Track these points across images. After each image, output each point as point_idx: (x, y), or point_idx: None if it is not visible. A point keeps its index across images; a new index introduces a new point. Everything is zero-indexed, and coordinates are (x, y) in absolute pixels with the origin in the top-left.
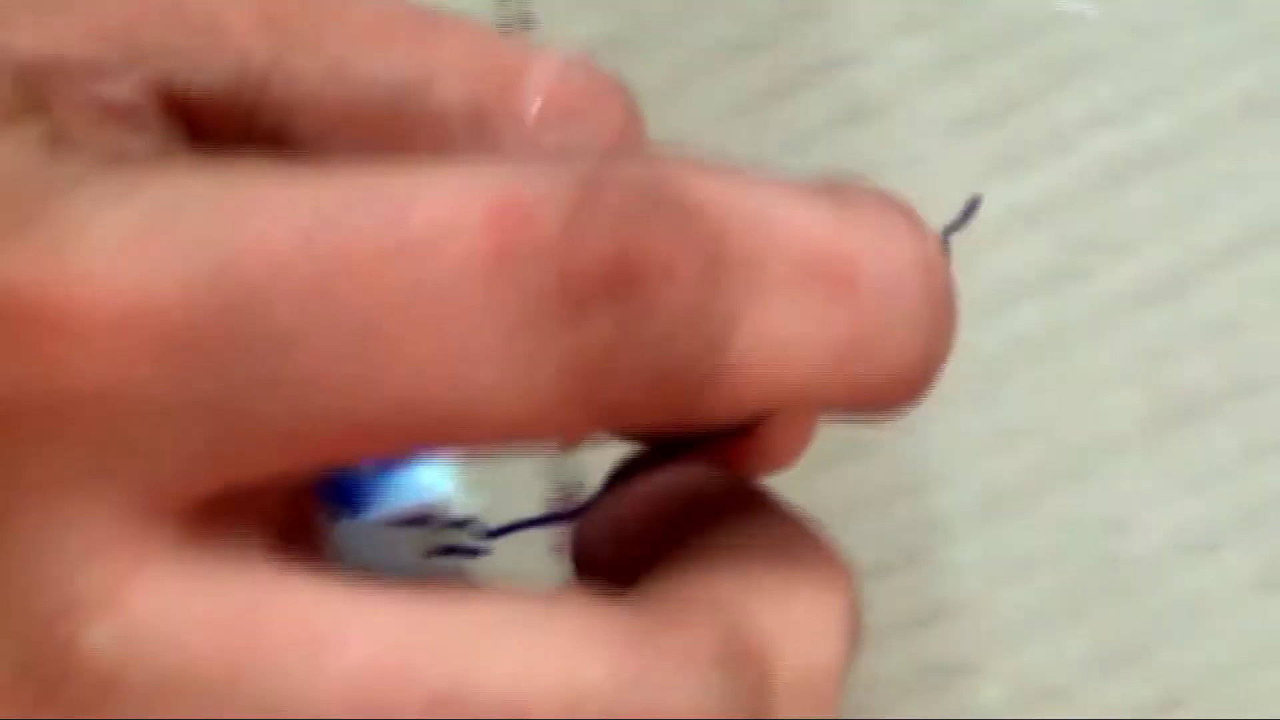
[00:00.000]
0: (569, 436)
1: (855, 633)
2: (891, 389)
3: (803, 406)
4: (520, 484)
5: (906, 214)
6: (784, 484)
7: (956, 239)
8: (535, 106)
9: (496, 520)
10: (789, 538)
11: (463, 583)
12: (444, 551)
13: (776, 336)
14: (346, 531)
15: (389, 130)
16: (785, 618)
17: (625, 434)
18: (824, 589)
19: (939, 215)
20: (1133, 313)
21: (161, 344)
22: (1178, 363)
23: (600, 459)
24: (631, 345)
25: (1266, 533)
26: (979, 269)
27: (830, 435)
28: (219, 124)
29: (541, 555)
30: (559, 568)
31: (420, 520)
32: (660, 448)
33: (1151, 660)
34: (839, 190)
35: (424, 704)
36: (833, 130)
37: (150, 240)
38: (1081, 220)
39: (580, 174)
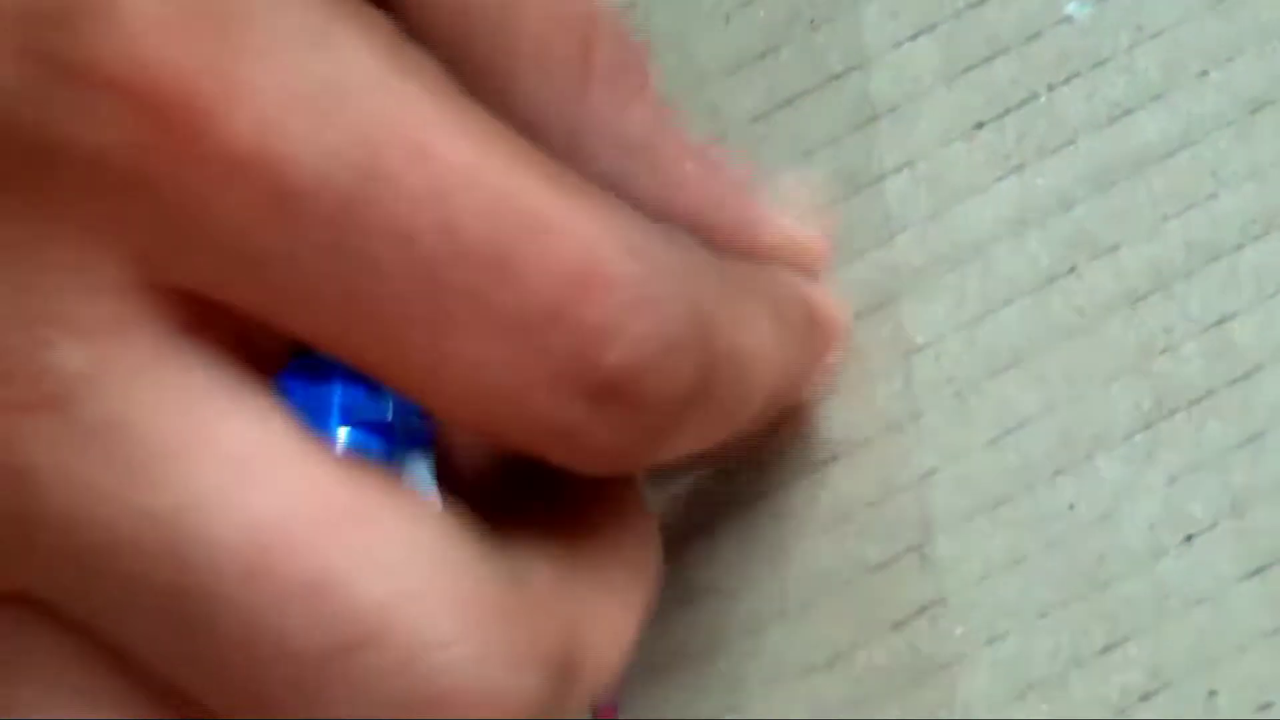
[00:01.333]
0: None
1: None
2: None
3: None
4: None
5: None
6: (772, 488)
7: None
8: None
9: None
10: (622, 536)
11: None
12: None
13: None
14: None
15: (470, 25)
16: (602, 624)
17: None
18: (634, 594)
19: (948, 220)
20: (1125, 310)
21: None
22: (1169, 357)
23: None
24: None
25: (1250, 521)
26: (980, 269)
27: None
28: None
29: None
30: None
31: None
32: None
33: (1130, 650)
34: None
35: (299, 583)
36: (842, 137)
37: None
38: (1076, 220)
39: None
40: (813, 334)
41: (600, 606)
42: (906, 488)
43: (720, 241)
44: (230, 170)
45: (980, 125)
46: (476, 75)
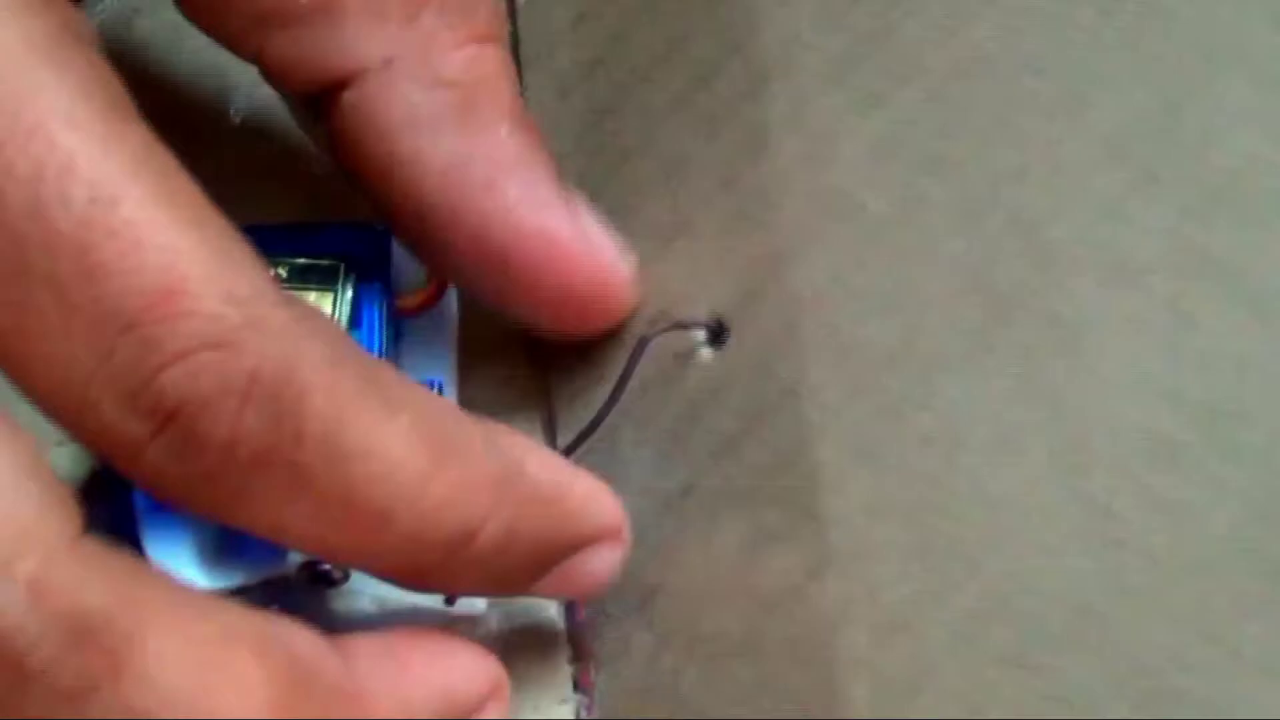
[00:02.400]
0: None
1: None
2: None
3: None
4: None
5: None
6: (687, 472)
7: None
8: None
9: None
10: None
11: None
12: None
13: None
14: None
15: None
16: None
17: None
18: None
19: (825, 170)
20: (964, 226)
21: None
22: (999, 267)
23: None
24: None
25: (1067, 422)
26: (850, 213)
27: (718, 425)
28: None
29: None
30: None
31: None
32: None
33: (976, 577)
34: None
35: None
36: (737, 108)
37: None
38: (923, 141)
39: (228, 329)
40: (490, 479)
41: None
42: (799, 450)
43: (486, 217)
44: None
45: (850, 67)
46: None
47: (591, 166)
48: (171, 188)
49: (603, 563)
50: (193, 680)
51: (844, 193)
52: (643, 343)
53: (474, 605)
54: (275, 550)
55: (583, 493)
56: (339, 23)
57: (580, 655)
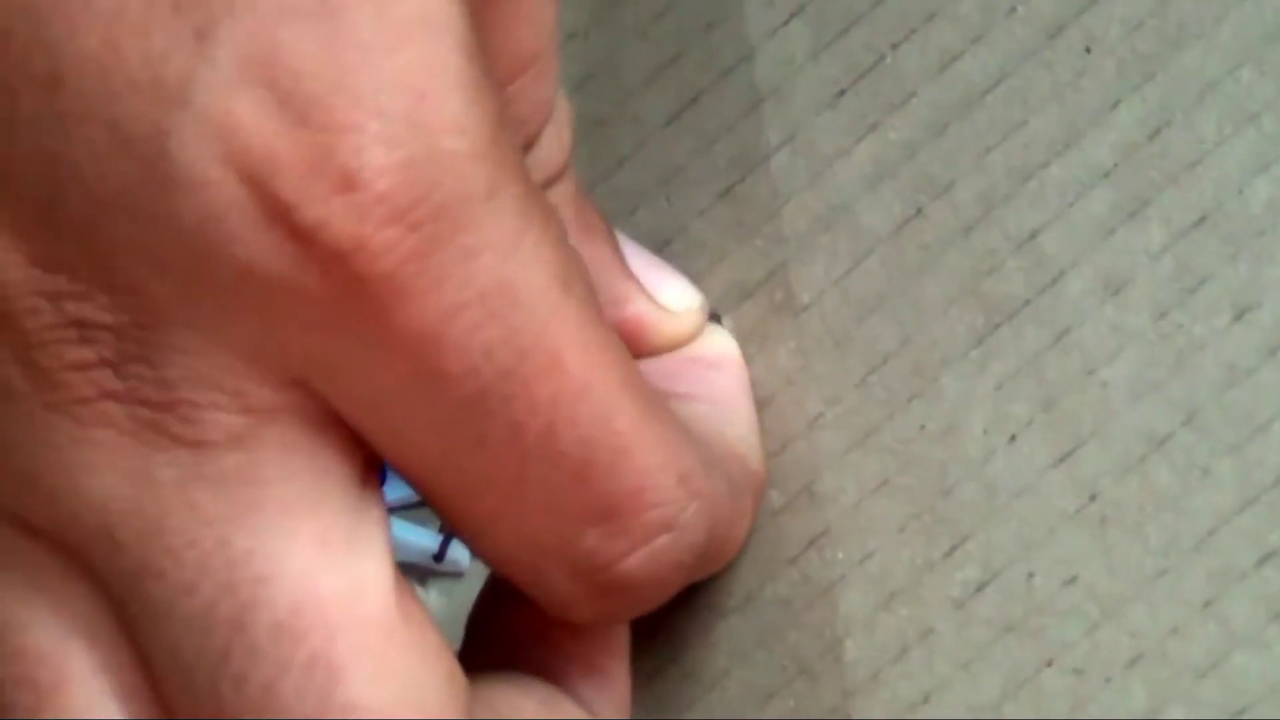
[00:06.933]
0: None
1: None
2: None
3: None
4: None
5: None
6: None
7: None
8: None
9: None
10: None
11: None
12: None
13: None
14: None
15: None
16: None
17: None
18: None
19: (821, 186)
20: (959, 240)
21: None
22: (994, 277)
23: None
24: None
25: (1059, 413)
26: (848, 225)
27: None
28: None
29: None
30: None
31: None
32: None
33: (968, 549)
34: None
35: (307, 656)
36: (735, 124)
37: None
38: (919, 165)
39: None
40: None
41: None
42: (800, 434)
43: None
44: (399, 344)
45: (841, 93)
46: None
47: (586, 172)
48: (636, 380)
49: None
50: None
51: (842, 209)
52: None
53: (458, 563)
54: None
55: None
56: None
57: None
